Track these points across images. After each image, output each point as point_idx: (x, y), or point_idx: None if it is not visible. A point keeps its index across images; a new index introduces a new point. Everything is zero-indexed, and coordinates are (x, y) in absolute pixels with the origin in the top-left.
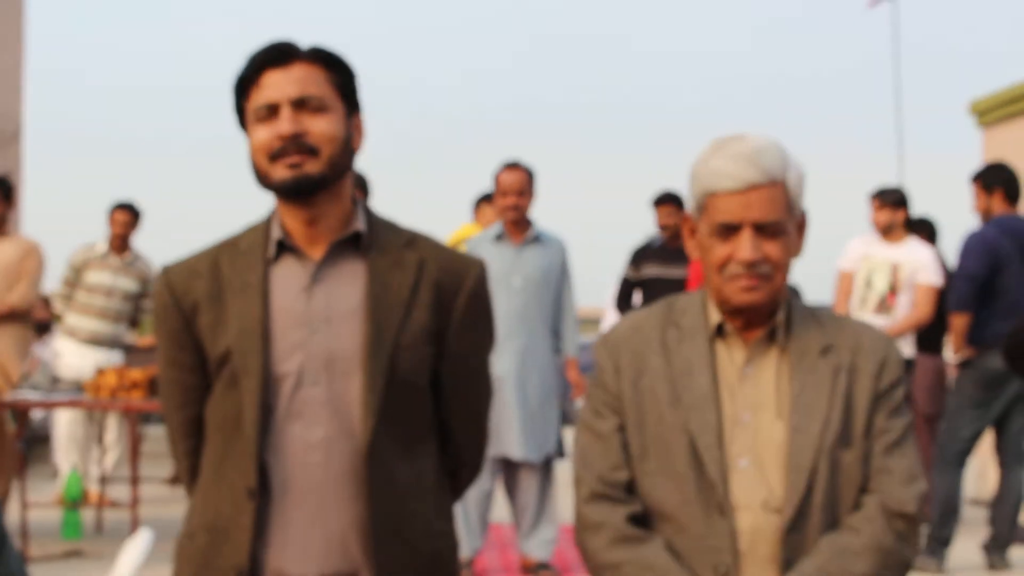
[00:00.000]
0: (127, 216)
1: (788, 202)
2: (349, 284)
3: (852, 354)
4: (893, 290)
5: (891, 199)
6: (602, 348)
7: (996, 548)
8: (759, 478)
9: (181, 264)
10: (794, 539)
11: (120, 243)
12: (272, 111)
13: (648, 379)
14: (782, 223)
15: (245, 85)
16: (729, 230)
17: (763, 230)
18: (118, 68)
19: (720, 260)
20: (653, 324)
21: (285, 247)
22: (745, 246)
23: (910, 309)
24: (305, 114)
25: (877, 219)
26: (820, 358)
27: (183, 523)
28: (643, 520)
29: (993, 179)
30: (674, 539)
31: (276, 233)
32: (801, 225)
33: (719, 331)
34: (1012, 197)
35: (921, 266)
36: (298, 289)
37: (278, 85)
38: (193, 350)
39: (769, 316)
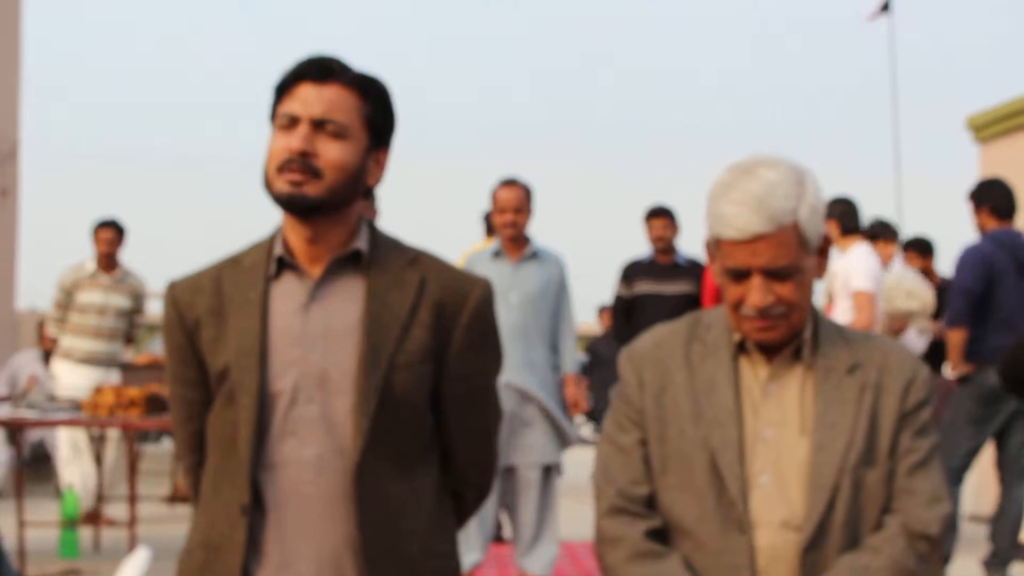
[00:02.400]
0: (111, 233)
1: (801, 240)
2: (347, 302)
3: (879, 372)
4: (830, 300)
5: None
6: (626, 362)
7: (996, 564)
8: (780, 495)
9: (186, 280)
10: (813, 558)
11: (107, 261)
12: (293, 122)
13: (671, 394)
14: (793, 265)
15: (282, 90)
16: (739, 275)
17: (774, 274)
18: (116, 84)
19: (734, 300)
20: (678, 339)
21: (286, 264)
22: (755, 293)
23: (851, 316)
24: (322, 136)
25: None
26: (847, 376)
27: (186, 540)
28: (663, 535)
29: (982, 195)
30: (692, 555)
31: (278, 250)
32: (823, 249)
33: (742, 347)
34: (1002, 212)
35: (852, 273)
36: (296, 307)
37: (306, 100)
38: (196, 366)
39: (793, 337)
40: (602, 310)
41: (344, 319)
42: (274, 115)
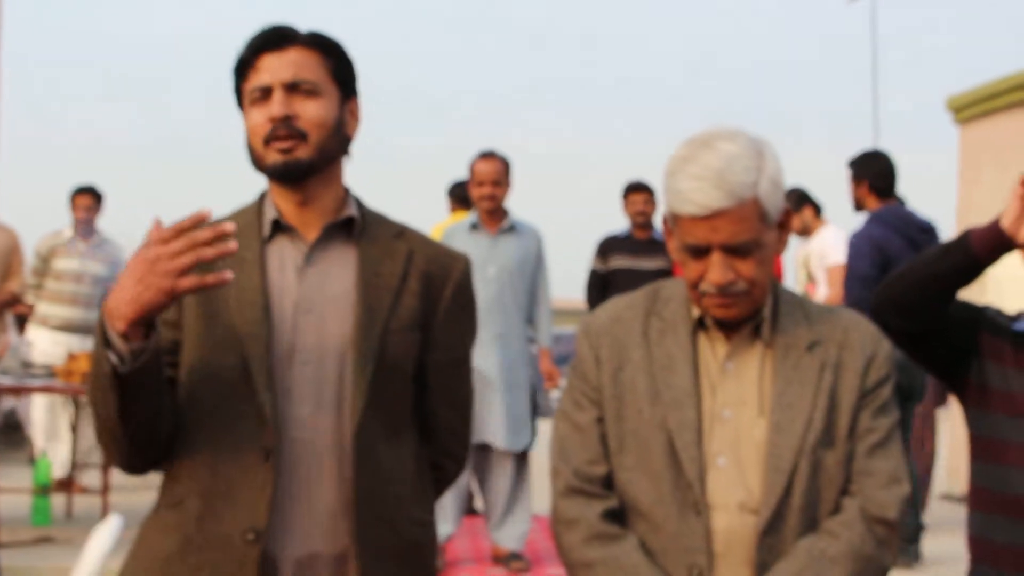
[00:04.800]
0: (89, 200)
1: (761, 214)
2: (341, 267)
3: (839, 350)
4: (811, 280)
5: (791, 204)
6: (584, 337)
7: (902, 545)
8: (737, 478)
9: None
10: (770, 541)
11: (85, 228)
12: (266, 94)
13: (629, 372)
14: (753, 240)
15: (243, 68)
16: (699, 251)
17: (733, 250)
18: (90, 49)
19: (693, 277)
20: (636, 314)
21: (280, 227)
22: (714, 270)
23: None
24: (297, 98)
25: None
26: (806, 354)
27: (157, 498)
28: (620, 515)
29: (862, 169)
30: (648, 537)
31: (271, 213)
32: (784, 223)
33: (701, 324)
34: (881, 192)
35: (827, 250)
36: (292, 268)
37: (272, 68)
38: (176, 308)
39: (754, 313)
40: None
41: (339, 284)
42: (240, 95)
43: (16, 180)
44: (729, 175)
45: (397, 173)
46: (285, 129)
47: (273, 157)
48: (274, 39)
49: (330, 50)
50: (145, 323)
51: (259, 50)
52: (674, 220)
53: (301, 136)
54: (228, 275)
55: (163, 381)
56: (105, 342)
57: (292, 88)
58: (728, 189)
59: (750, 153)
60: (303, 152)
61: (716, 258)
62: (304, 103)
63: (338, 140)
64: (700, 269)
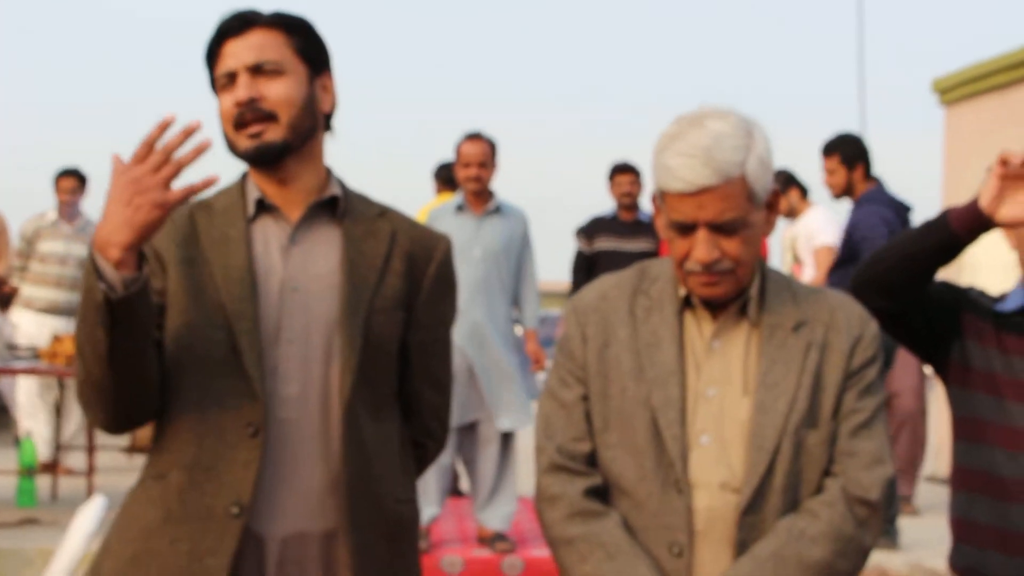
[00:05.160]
0: (73, 182)
1: (749, 193)
2: (325, 246)
3: (825, 330)
4: (797, 262)
5: (778, 186)
6: (570, 315)
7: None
8: (720, 456)
9: None
10: (751, 520)
11: (69, 210)
12: (232, 79)
13: (614, 349)
14: (740, 219)
15: (210, 56)
16: (685, 228)
17: (720, 228)
18: (64, 34)
19: (680, 255)
20: (623, 292)
21: (263, 206)
22: (700, 248)
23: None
24: (261, 79)
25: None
26: (792, 334)
27: (143, 470)
28: (603, 493)
29: (855, 152)
30: (630, 515)
31: (254, 193)
32: (771, 203)
33: (688, 303)
34: (868, 172)
35: (814, 231)
36: (277, 247)
37: (235, 53)
38: (161, 276)
39: (739, 293)
40: None
41: (324, 263)
42: (215, 83)
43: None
44: (717, 153)
45: (381, 154)
46: (252, 112)
47: (244, 143)
48: (235, 24)
49: (294, 28)
50: (138, 251)
51: (223, 37)
52: (662, 197)
53: (270, 117)
54: (214, 177)
55: (152, 317)
56: (96, 274)
57: (256, 70)
58: (715, 167)
59: (739, 132)
60: (274, 134)
61: (702, 236)
62: (269, 84)
63: (311, 117)
64: (686, 247)
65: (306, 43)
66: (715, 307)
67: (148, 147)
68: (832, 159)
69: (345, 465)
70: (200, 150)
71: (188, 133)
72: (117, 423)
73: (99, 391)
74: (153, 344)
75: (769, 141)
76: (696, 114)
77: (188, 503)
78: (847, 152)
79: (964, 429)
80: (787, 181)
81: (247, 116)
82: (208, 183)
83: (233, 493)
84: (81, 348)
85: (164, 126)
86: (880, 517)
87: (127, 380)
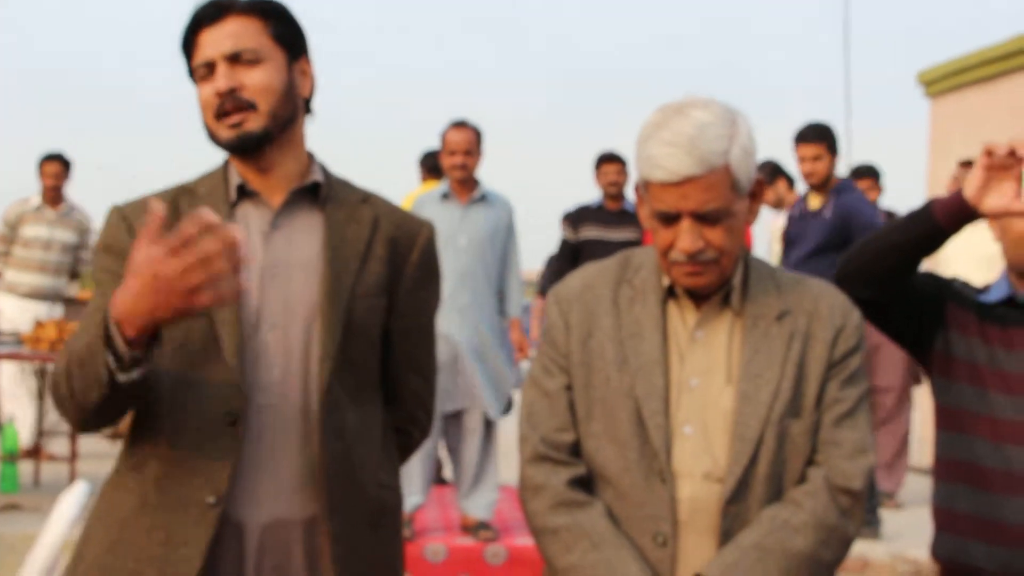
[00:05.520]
0: (57, 167)
1: (732, 182)
2: (307, 232)
3: (809, 319)
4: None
5: (765, 177)
6: (553, 304)
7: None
8: (703, 446)
9: (134, 201)
10: (735, 510)
11: (53, 195)
12: (210, 68)
13: (597, 339)
14: (724, 208)
15: (187, 45)
16: (669, 218)
17: (703, 218)
18: (50, 19)
19: (663, 245)
20: (607, 280)
21: (245, 193)
22: (684, 238)
23: None
24: (240, 68)
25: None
26: (775, 323)
27: (119, 460)
28: (587, 483)
29: (835, 143)
30: (614, 504)
31: (235, 179)
32: (755, 193)
33: (671, 292)
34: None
35: None
36: (258, 234)
37: (212, 42)
38: None
39: (723, 283)
40: None
41: (305, 249)
42: (192, 73)
43: None
44: (700, 142)
45: (368, 142)
46: (232, 102)
47: (225, 133)
48: (210, 12)
49: (270, 13)
50: (154, 332)
51: (198, 25)
52: (645, 187)
53: (250, 106)
54: (246, 285)
55: (149, 388)
56: (106, 339)
57: (234, 59)
58: (699, 156)
59: (723, 121)
60: (254, 123)
61: (686, 225)
62: (248, 72)
63: (291, 104)
64: (670, 237)
65: (283, 28)
66: (698, 297)
67: (183, 243)
68: (819, 146)
69: (324, 451)
70: (237, 266)
71: (228, 245)
72: (87, 429)
73: (78, 411)
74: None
75: (752, 130)
76: (679, 103)
77: (165, 492)
78: (832, 141)
79: (947, 419)
80: (774, 172)
81: (227, 106)
82: (237, 295)
83: (210, 482)
84: (70, 381)
85: (203, 227)
86: (863, 507)
87: (108, 409)
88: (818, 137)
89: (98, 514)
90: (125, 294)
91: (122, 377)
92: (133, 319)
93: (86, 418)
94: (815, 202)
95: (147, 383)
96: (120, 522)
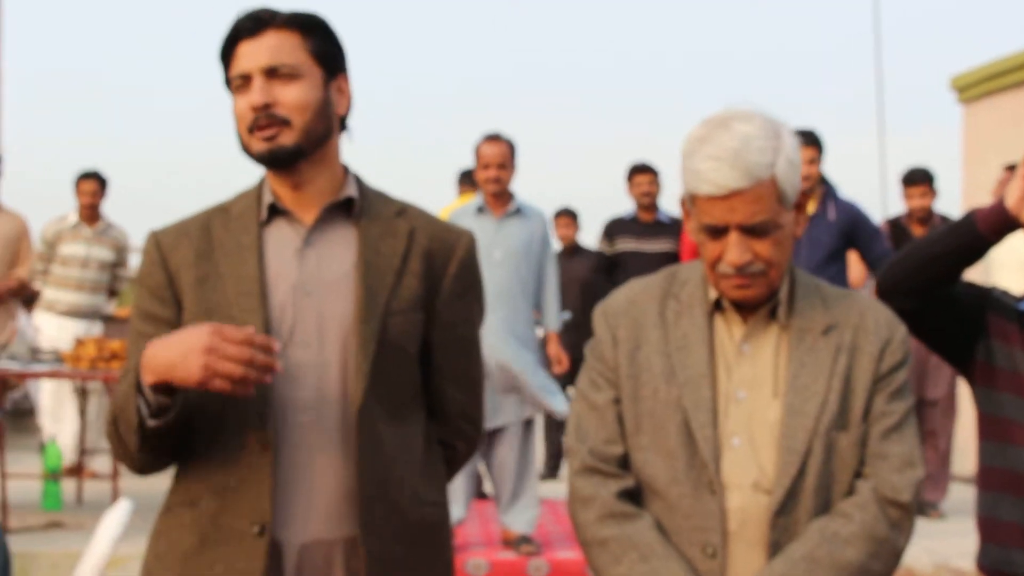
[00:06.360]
0: (93, 185)
1: (779, 194)
2: (341, 248)
3: (855, 333)
4: None
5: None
6: (601, 318)
7: None
8: (751, 457)
9: (170, 227)
10: (783, 522)
11: (90, 213)
12: (247, 81)
13: (645, 352)
14: (771, 221)
15: (225, 56)
16: (716, 231)
17: (751, 230)
18: (98, 31)
19: (711, 258)
20: (653, 295)
21: (277, 211)
22: (732, 251)
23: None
24: (276, 83)
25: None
26: (821, 337)
27: (171, 495)
28: (635, 495)
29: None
30: (663, 516)
31: (268, 197)
32: (800, 205)
33: (718, 306)
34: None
35: None
36: (290, 252)
37: (250, 55)
38: (173, 305)
39: (771, 295)
40: None
41: (338, 265)
42: (229, 82)
43: (21, 165)
44: (746, 155)
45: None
46: (266, 118)
47: (258, 145)
48: (250, 24)
49: (310, 29)
50: (172, 390)
51: (237, 37)
52: (692, 201)
53: (283, 122)
54: (251, 391)
55: (185, 426)
56: (137, 386)
57: (271, 73)
58: (745, 169)
59: (767, 133)
60: (287, 138)
61: (734, 238)
62: (284, 88)
63: (325, 121)
64: (718, 250)
65: (322, 44)
66: (745, 310)
67: (244, 340)
68: (814, 150)
69: (360, 469)
70: (262, 378)
71: (269, 368)
72: (141, 472)
73: (128, 456)
74: (180, 428)
75: (796, 142)
76: (722, 116)
77: (220, 526)
78: (821, 145)
79: (990, 429)
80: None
81: (261, 121)
82: (247, 392)
83: (256, 512)
84: (113, 428)
85: (268, 347)
86: (912, 519)
87: (156, 454)
88: (810, 142)
89: (156, 551)
90: (161, 344)
91: (151, 423)
92: (155, 369)
93: (136, 461)
94: (810, 205)
95: (177, 427)
96: (182, 557)
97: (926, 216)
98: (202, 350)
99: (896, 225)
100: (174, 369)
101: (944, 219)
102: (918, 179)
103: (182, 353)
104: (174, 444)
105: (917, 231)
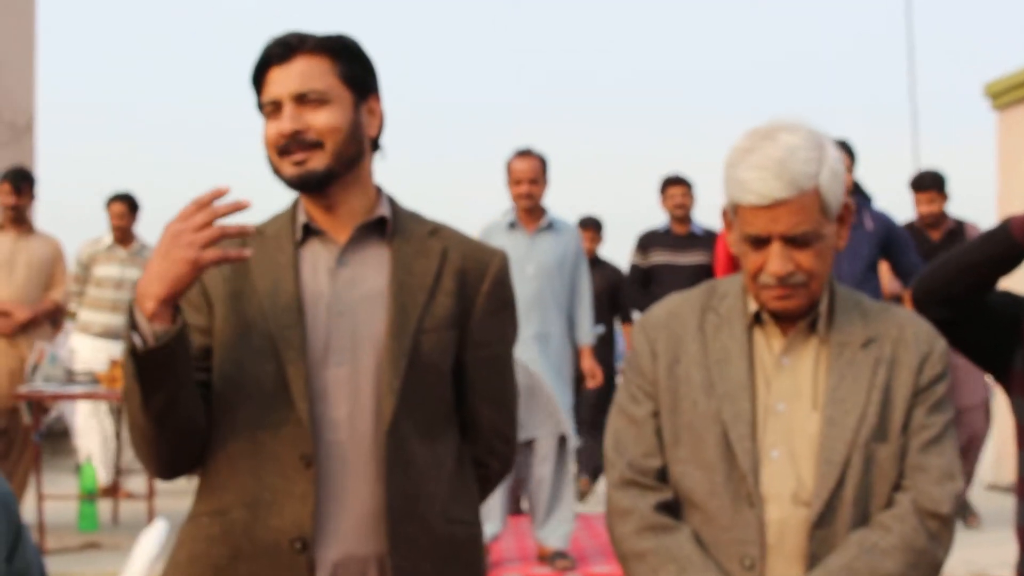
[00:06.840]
0: (123, 207)
1: (822, 206)
2: (374, 268)
3: (894, 346)
4: None
5: None
6: (640, 332)
7: None
8: (790, 470)
9: None
10: (822, 534)
11: (123, 234)
12: (277, 107)
13: (684, 365)
14: (813, 232)
15: (256, 81)
16: (759, 242)
17: (793, 241)
18: (130, 56)
19: (753, 268)
20: (692, 308)
21: (311, 231)
22: (774, 261)
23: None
24: (307, 108)
25: None
26: (861, 350)
27: (196, 503)
28: (674, 508)
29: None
30: (702, 529)
31: (302, 218)
32: (843, 217)
33: (757, 319)
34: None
35: None
36: (324, 271)
37: (280, 82)
38: (206, 311)
39: (811, 307)
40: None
41: (372, 284)
42: (261, 107)
43: (54, 186)
44: (791, 165)
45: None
46: (297, 145)
47: (288, 170)
48: (279, 51)
49: (339, 52)
50: (173, 304)
51: (267, 64)
52: (735, 211)
53: (315, 145)
54: (247, 252)
55: (187, 371)
56: (132, 325)
57: (301, 99)
58: (789, 179)
59: (811, 145)
60: (317, 162)
61: (776, 248)
62: (314, 113)
63: (356, 143)
64: (760, 260)
65: (352, 67)
66: (785, 323)
67: (197, 207)
68: (847, 158)
69: (389, 486)
70: (244, 231)
71: (237, 208)
72: (162, 471)
73: (143, 438)
74: (193, 393)
75: (840, 154)
76: (767, 127)
77: (255, 540)
78: (853, 155)
79: None
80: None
81: (292, 146)
82: (241, 257)
83: (295, 528)
84: (125, 398)
85: (218, 194)
86: (952, 531)
87: (166, 429)
88: (841, 150)
89: (181, 563)
90: (145, 272)
91: (142, 349)
92: (150, 288)
93: (156, 449)
94: None
95: (180, 367)
96: (213, 570)
97: (935, 221)
98: (173, 240)
99: (912, 229)
100: (165, 274)
101: (959, 223)
102: (926, 184)
103: (161, 256)
104: (189, 426)
105: (934, 236)
